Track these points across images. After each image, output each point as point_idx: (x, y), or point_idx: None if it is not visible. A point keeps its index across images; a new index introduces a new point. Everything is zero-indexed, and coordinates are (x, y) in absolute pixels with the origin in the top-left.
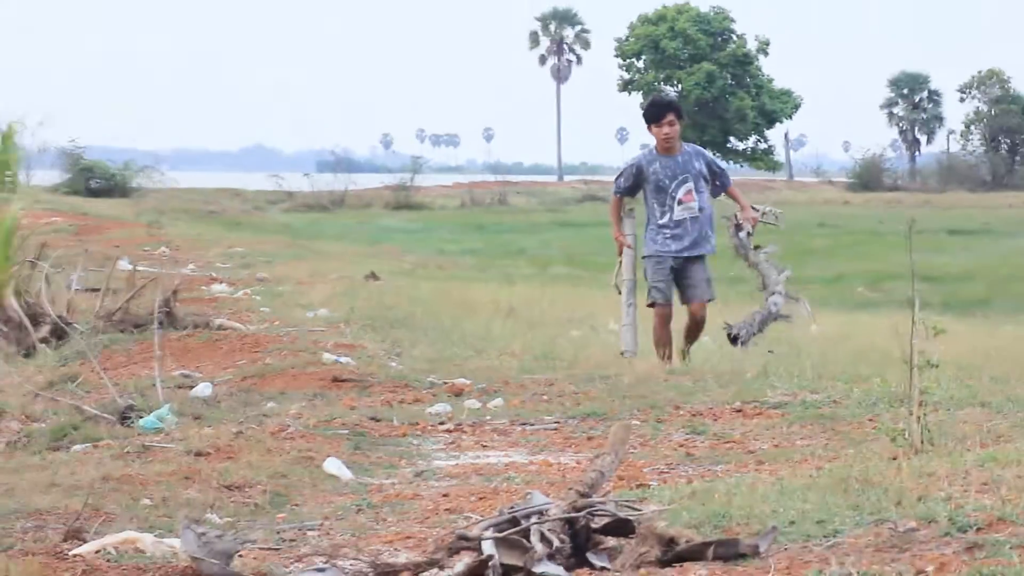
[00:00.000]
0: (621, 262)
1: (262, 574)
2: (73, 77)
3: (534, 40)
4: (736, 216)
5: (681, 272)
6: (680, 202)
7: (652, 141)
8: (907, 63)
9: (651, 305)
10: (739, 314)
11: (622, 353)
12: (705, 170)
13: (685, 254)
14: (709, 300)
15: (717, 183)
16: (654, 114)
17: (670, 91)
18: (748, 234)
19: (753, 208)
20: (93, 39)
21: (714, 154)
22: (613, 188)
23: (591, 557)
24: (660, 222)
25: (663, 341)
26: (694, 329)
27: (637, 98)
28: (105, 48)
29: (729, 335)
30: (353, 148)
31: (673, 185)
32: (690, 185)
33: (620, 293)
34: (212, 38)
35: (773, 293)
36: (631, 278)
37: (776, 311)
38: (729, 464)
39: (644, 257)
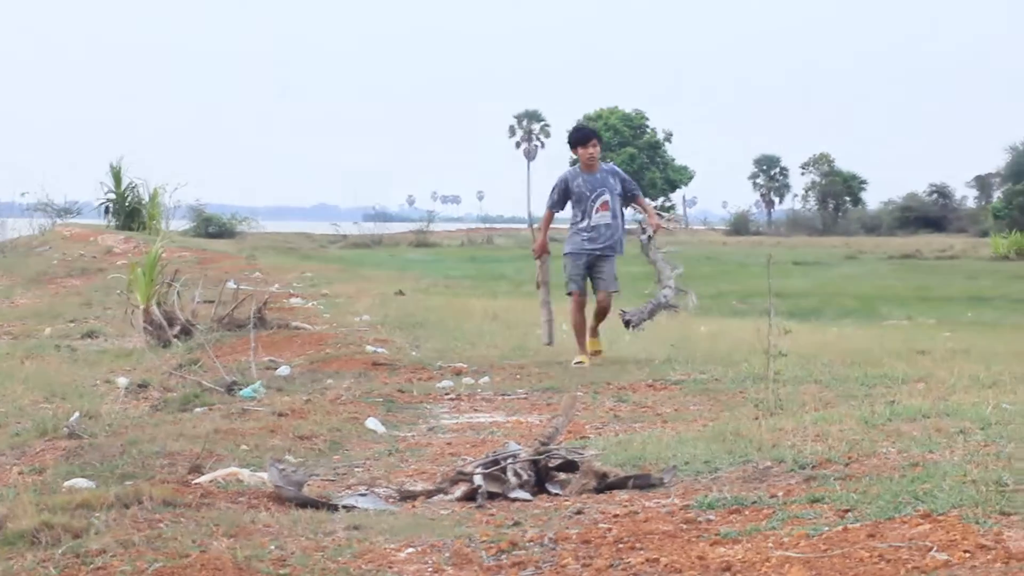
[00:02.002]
0: (540, 266)
1: (324, 498)
2: (198, 153)
3: (512, 131)
4: (642, 222)
5: (593, 267)
6: (597, 210)
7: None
8: (765, 148)
9: (569, 294)
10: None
11: (545, 344)
12: (619, 185)
13: (598, 252)
14: (614, 291)
15: (629, 194)
16: (580, 138)
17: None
18: (650, 237)
19: (659, 214)
20: (217, 128)
21: (634, 211)
22: (547, 203)
23: (549, 487)
24: (580, 226)
25: (579, 327)
26: (600, 313)
27: None
28: (218, 131)
29: (624, 320)
30: (387, 205)
31: (592, 196)
32: (606, 197)
33: (539, 288)
34: (290, 126)
35: (665, 287)
36: (548, 280)
37: (666, 301)
38: (644, 423)
39: (565, 254)
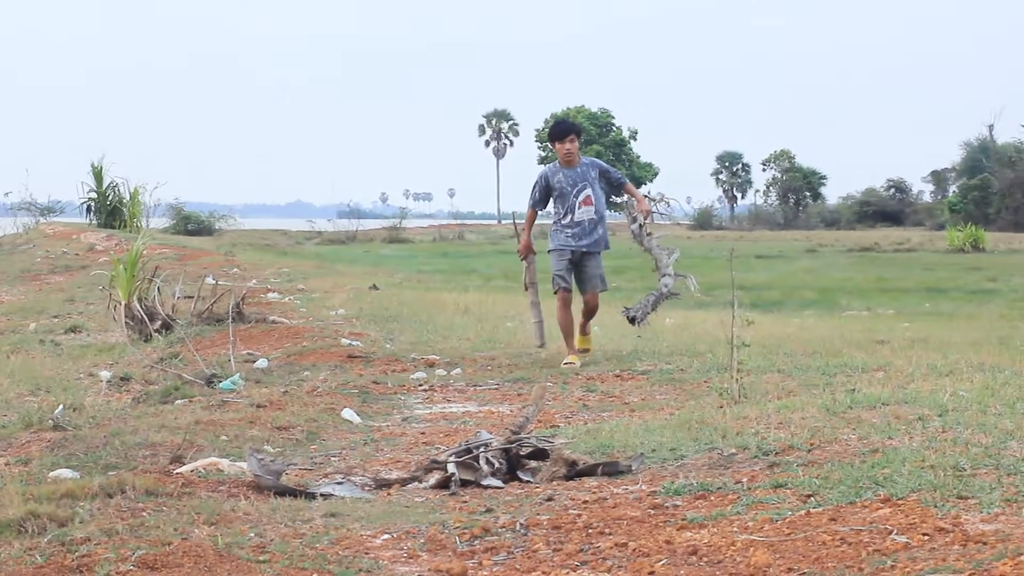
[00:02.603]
0: (527, 266)
1: (301, 486)
2: (176, 152)
3: (481, 130)
4: (632, 209)
5: (579, 265)
6: (580, 205)
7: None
8: (727, 145)
9: (555, 292)
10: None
11: (539, 346)
12: (600, 177)
13: (583, 248)
14: (602, 291)
15: (614, 184)
16: (558, 133)
17: None
18: (640, 225)
19: (650, 199)
20: (196, 127)
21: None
22: (529, 202)
23: (520, 474)
24: (563, 222)
25: (566, 326)
26: (589, 313)
27: None
28: (196, 131)
29: (628, 317)
30: (361, 202)
31: (574, 191)
32: (588, 192)
33: (527, 290)
34: (269, 124)
35: (664, 275)
36: (535, 281)
37: (667, 291)
38: (612, 412)
39: (549, 251)
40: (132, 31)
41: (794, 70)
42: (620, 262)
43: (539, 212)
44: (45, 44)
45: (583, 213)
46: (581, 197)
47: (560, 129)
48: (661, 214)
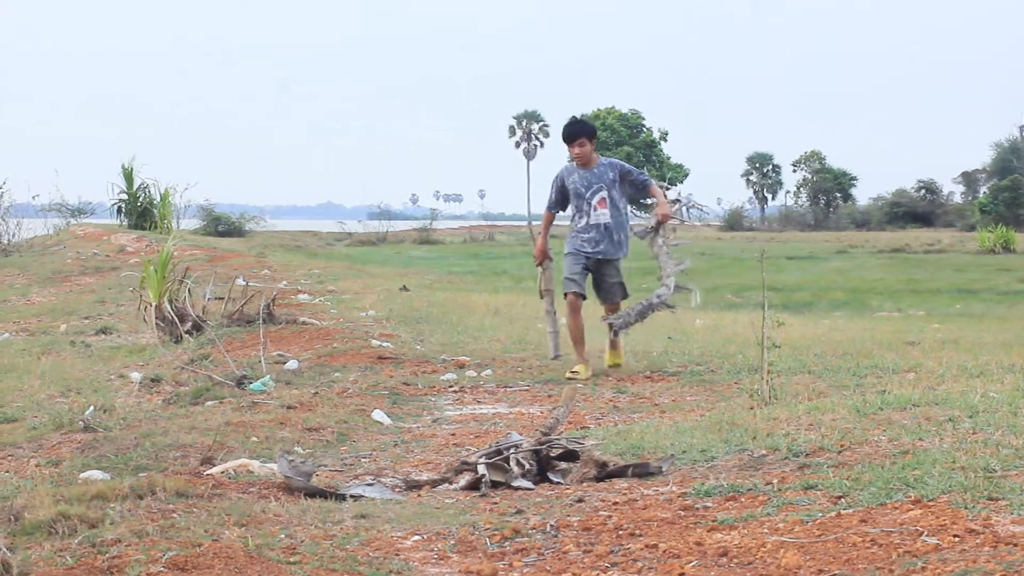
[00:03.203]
0: (542, 272)
1: (332, 487)
2: (207, 153)
3: (512, 131)
4: (651, 211)
5: (596, 272)
6: (595, 208)
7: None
8: (758, 146)
9: (565, 295)
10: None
11: (553, 358)
12: (618, 178)
13: (599, 256)
14: (620, 300)
15: (638, 186)
16: (568, 136)
17: None
18: (652, 227)
19: (676, 202)
20: (226, 129)
21: (632, 208)
22: (546, 204)
23: (550, 476)
24: (579, 226)
25: (576, 334)
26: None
27: None
28: (226, 132)
29: (608, 324)
30: (391, 203)
31: (588, 193)
32: (604, 194)
33: (542, 299)
34: (301, 128)
35: (663, 284)
36: (551, 289)
37: (659, 302)
38: (642, 413)
39: (564, 254)
40: (164, 33)
41: (824, 72)
42: (649, 263)
43: (557, 215)
44: (75, 47)
45: (598, 216)
46: (596, 199)
47: (569, 133)
48: (682, 220)
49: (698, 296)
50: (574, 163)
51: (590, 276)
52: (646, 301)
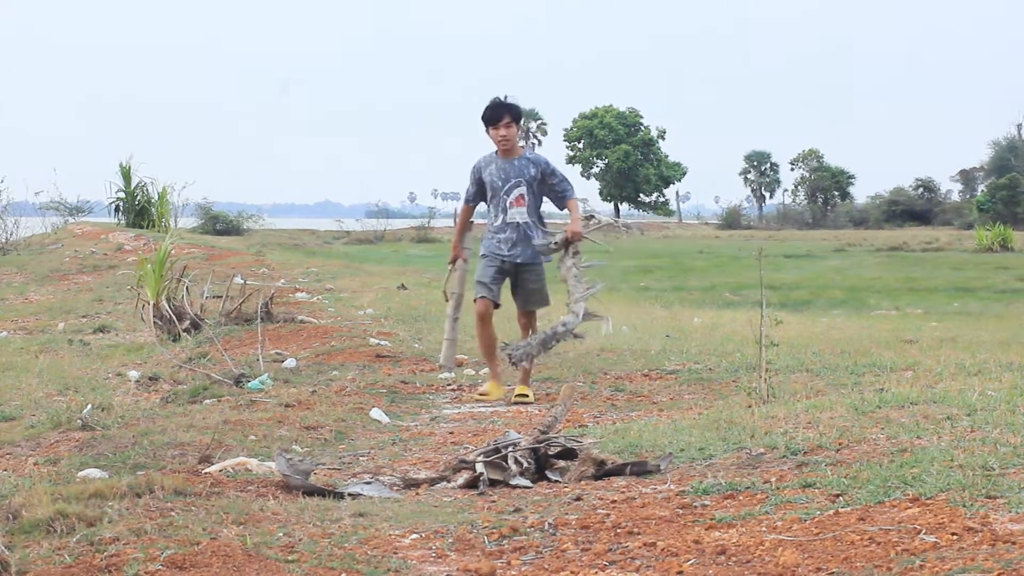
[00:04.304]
0: (451, 272)
1: (330, 486)
2: (204, 152)
3: None
4: (561, 228)
5: (515, 278)
6: (511, 205)
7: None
8: (756, 144)
9: (475, 300)
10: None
11: (440, 367)
12: (539, 177)
13: (517, 260)
14: (538, 308)
15: (557, 194)
16: (492, 116)
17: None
18: (557, 244)
19: (592, 219)
20: (223, 128)
21: (629, 207)
22: (463, 196)
23: (549, 474)
24: (495, 224)
25: (487, 345)
26: (525, 328)
27: (578, 168)
28: (224, 131)
29: (506, 355)
30: (389, 201)
31: (506, 188)
32: (522, 190)
33: (447, 301)
34: (300, 129)
35: (571, 311)
36: (461, 292)
37: (564, 331)
38: (640, 411)
39: (480, 256)
40: (163, 31)
41: (822, 70)
42: (647, 261)
43: (475, 209)
44: (75, 45)
45: (514, 215)
46: (513, 196)
47: (494, 111)
48: (598, 243)
49: (610, 325)
50: (493, 152)
51: (508, 281)
52: (550, 330)
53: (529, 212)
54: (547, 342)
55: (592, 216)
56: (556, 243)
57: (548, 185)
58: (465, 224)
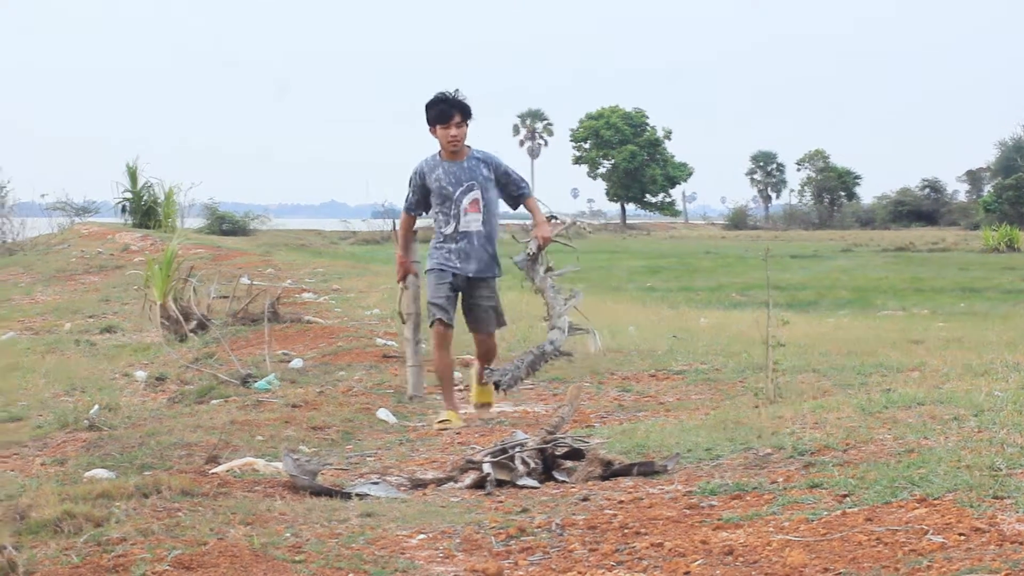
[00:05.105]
0: (404, 289)
1: (337, 486)
2: (211, 153)
3: (516, 130)
4: (529, 231)
5: (466, 294)
6: (466, 212)
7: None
8: (762, 145)
9: (431, 324)
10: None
11: (410, 398)
12: (492, 177)
13: (469, 273)
14: (496, 329)
15: (513, 193)
16: (440, 115)
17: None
18: (531, 254)
19: (554, 220)
20: (230, 127)
21: (635, 207)
22: (404, 204)
23: (556, 474)
24: (445, 232)
25: (444, 372)
26: (484, 357)
27: (584, 169)
28: (230, 131)
29: (492, 381)
30: (395, 202)
31: (458, 192)
32: (476, 194)
33: (404, 323)
34: (306, 129)
35: (554, 327)
36: (416, 311)
37: (552, 349)
38: (647, 411)
39: (427, 271)
40: (166, 31)
41: (828, 70)
42: (654, 262)
43: (418, 218)
44: (81, 44)
45: (468, 222)
46: (467, 201)
47: (443, 108)
48: (566, 244)
49: (598, 339)
50: (437, 155)
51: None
52: (538, 349)
53: (484, 219)
54: (535, 364)
55: (554, 216)
56: (531, 252)
57: (501, 185)
58: (408, 235)
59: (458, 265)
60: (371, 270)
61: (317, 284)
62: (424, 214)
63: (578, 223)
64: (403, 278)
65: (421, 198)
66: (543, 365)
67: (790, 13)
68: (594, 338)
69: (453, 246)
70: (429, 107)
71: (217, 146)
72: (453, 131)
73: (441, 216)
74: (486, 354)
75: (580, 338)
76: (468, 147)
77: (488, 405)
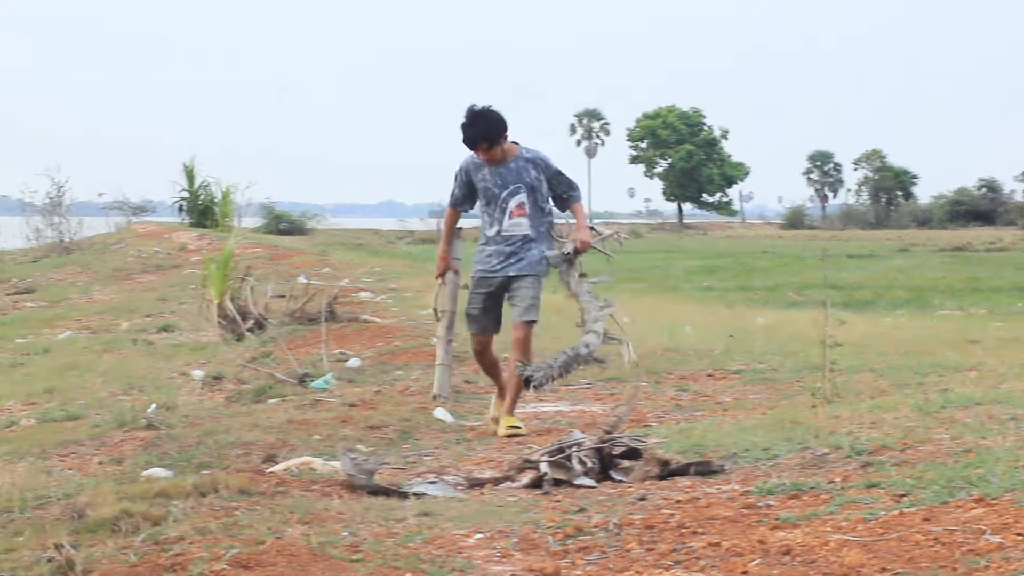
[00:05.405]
0: (442, 285)
1: (394, 485)
2: (268, 152)
3: (573, 130)
4: (566, 235)
5: (509, 289)
6: (511, 215)
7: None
8: (819, 144)
9: (471, 334)
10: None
11: (433, 397)
12: (543, 178)
13: (511, 272)
14: (530, 321)
15: (563, 195)
16: (467, 140)
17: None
18: (567, 256)
19: (593, 230)
20: (287, 126)
21: (692, 206)
22: (449, 200)
23: (613, 474)
24: (488, 234)
25: (492, 372)
26: (518, 342)
27: (641, 168)
28: (287, 131)
29: (525, 378)
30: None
31: (504, 195)
32: (522, 197)
33: (438, 320)
34: (362, 133)
35: (588, 332)
36: (452, 310)
37: (587, 353)
38: (704, 411)
39: (471, 276)
40: (225, 33)
41: (885, 70)
42: (711, 261)
43: (463, 214)
44: (140, 48)
45: (514, 226)
46: (513, 204)
47: (465, 135)
48: (607, 253)
49: (631, 350)
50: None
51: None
52: (572, 351)
53: (531, 222)
54: (569, 365)
55: (594, 229)
56: (568, 253)
57: (552, 186)
58: (452, 230)
59: (497, 268)
60: (428, 270)
61: (374, 283)
62: (469, 210)
63: (617, 235)
64: (442, 274)
65: (467, 193)
66: (576, 368)
67: (847, 12)
68: (628, 348)
69: (492, 248)
70: (460, 128)
71: (275, 145)
72: (484, 156)
73: (486, 217)
74: (520, 344)
75: (613, 347)
76: (516, 144)
77: (517, 431)
